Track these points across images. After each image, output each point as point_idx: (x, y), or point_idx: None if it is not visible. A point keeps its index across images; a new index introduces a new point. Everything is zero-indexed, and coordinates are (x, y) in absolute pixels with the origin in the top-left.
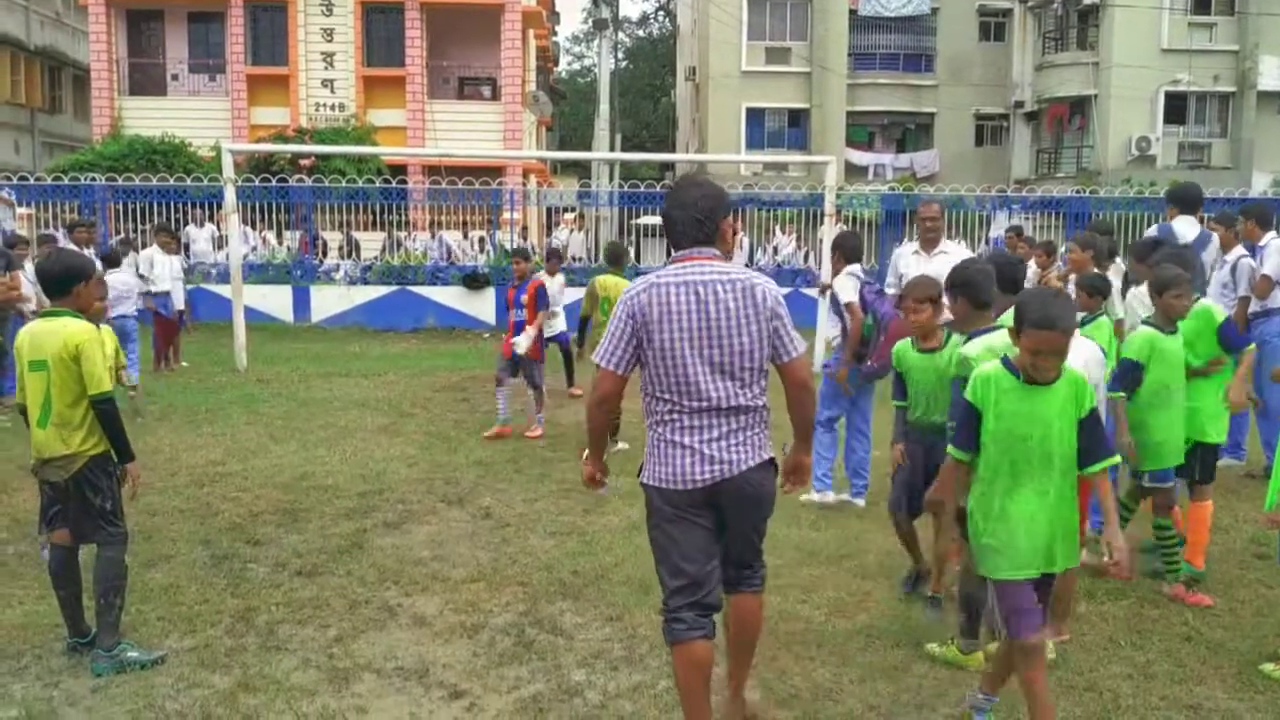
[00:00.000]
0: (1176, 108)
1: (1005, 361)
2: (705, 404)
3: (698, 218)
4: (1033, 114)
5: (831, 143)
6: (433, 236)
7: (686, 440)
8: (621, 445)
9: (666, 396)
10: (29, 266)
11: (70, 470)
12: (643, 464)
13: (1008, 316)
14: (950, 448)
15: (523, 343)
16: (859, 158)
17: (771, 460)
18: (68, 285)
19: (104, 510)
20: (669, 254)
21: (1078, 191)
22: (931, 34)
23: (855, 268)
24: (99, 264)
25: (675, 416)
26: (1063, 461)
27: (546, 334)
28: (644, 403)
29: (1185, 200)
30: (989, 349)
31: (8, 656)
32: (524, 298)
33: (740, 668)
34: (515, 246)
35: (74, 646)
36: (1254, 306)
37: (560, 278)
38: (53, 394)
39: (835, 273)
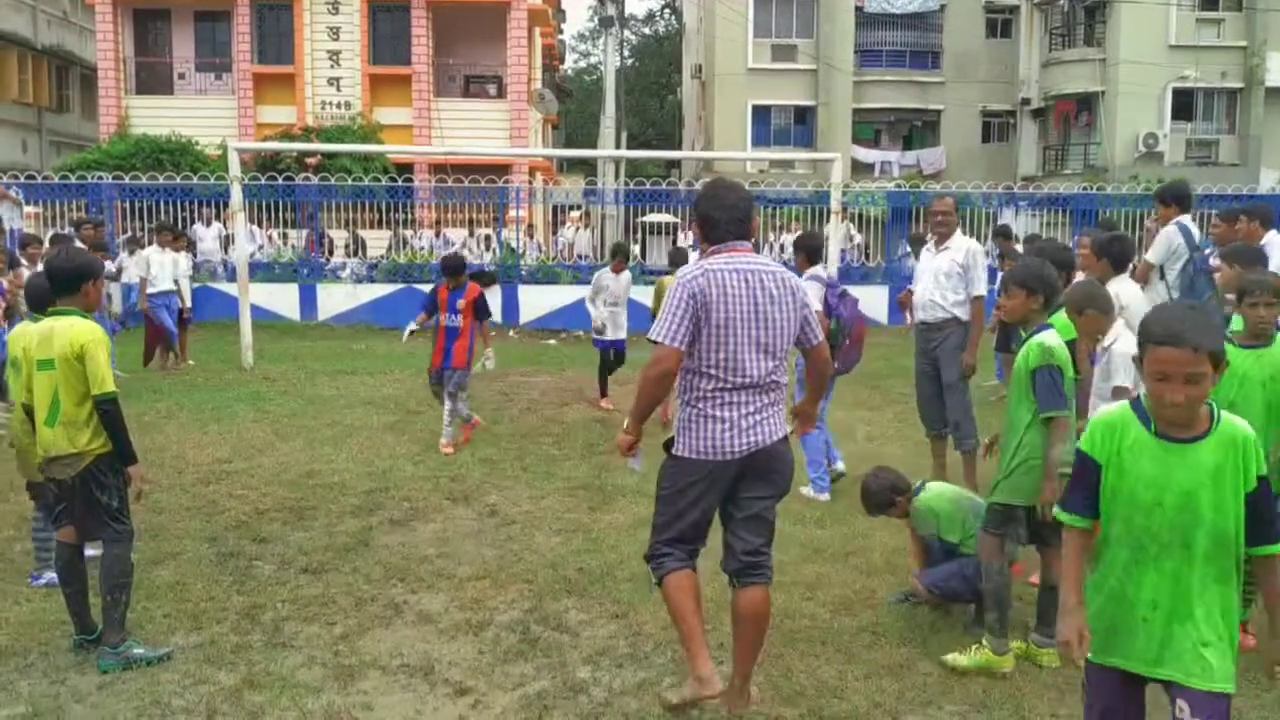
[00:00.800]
0: (1184, 104)
1: (1135, 405)
2: (748, 380)
3: (739, 217)
4: (1040, 111)
5: (838, 140)
6: (437, 235)
7: (726, 414)
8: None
9: (713, 372)
10: (41, 267)
11: (77, 468)
12: (672, 437)
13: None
14: (1059, 511)
15: (490, 365)
16: (865, 155)
17: (788, 435)
18: (76, 283)
19: (110, 508)
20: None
21: (1085, 188)
22: (938, 31)
23: (819, 269)
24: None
25: (718, 392)
26: (1210, 543)
27: (609, 336)
28: (683, 379)
29: (1184, 198)
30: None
31: (15, 653)
32: (460, 302)
33: (745, 661)
34: (446, 254)
35: (80, 643)
36: None
37: (627, 275)
38: (60, 393)
39: (799, 273)
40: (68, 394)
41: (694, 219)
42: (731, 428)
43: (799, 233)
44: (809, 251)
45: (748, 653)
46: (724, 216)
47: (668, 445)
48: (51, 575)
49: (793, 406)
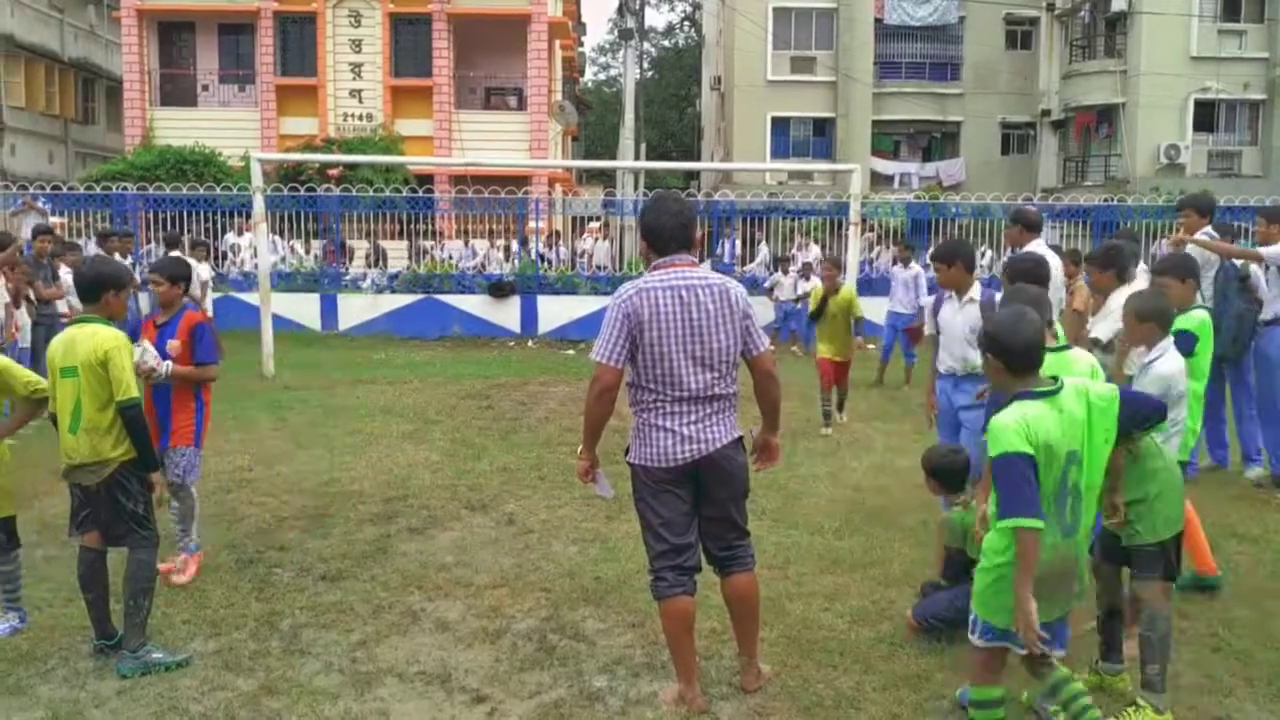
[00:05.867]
0: (1206, 116)
1: None
2: (686, 393)
3: (684, 224)
4: (1060, 122)
5: (857, 152)
6: (449, 242)
7: (668, 424)
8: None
9: (652, 386)
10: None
11: (101, 475)
12: (629, 446)
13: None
14: None
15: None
16: (884, 167)
17: (740, 438)
18: (97, 292)
19: (136, 514)
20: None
21: (1106, 200)
22: (958, 42)
23: None
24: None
25: (660, 404)
26: None
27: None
28: (630, 392)
29: (1212, 209)
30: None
31: (35, 658)
32: (174, 341)
33: (747, 641)
34: (159, 259)
35: (100, 648)
36: (1265, 314)
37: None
38: (83, 400)
39: None
40: (90, 400)
41: (640, 231)
42: (675, 436)
43: (808, 245)
44: None
45: (746, 634)
46: (670, 224)
47: (627, 452)
48: (10, 626)
49: (753, 440)
